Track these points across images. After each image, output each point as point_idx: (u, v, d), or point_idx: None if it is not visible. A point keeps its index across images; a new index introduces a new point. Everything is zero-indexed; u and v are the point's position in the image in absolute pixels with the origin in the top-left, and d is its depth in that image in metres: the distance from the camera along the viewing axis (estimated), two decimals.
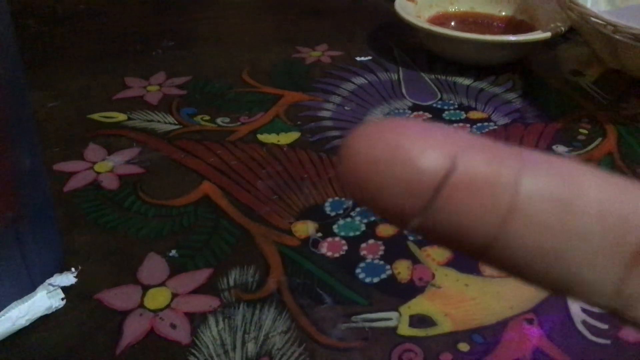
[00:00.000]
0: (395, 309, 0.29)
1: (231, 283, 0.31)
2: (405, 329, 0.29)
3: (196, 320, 0.29)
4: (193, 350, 0.27)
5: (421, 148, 0.08)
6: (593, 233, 0.09)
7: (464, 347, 0.28)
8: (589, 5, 0.52)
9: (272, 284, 0.31)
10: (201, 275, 0.31)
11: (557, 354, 0.27)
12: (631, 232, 0.09)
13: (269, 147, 0.41)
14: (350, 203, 0.36)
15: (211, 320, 0.29)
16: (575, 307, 0.30)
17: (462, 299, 0.30)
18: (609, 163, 0.40)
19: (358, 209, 0.36)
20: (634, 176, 0.39)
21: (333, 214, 0.35)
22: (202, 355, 0.27)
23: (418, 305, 0.30)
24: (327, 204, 0.36)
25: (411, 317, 0.29)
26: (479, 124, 0.44)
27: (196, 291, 0.30)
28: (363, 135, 0.08)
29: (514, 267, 0.09)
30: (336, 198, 0.37)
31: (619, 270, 0.09)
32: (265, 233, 0.34)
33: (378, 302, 0.30)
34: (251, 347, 0.27)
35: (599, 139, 0.43)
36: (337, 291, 0.30)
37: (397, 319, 0.29)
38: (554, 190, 0.09)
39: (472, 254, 0.09)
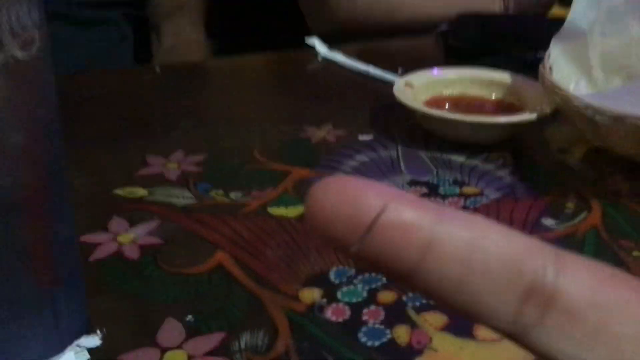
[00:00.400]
0: None
1: (242, 346, 0.33)
2: None
3: None
4: None
5: (362, 195, 0.11)
6: (492, 270, 0.11)
7: None
8: (571, 88, 0.56)
9: (280, 347, 0.33)
10: (215, 339, 0.34)
11: None
12: (524, 273, 0.11)
13: (278, 220, 0.44)
14: (353, 272, 0.39)
15: None
16: None
17: None
18: (594, 235, 0.43)
19: (361, 277, 0.39)
20: (618, 247, 0.42)
21: (337, 281, 0.38)
22: None
23: None
24: (331, 272, 0.39)
25: None
26: (472, 198, 0.48)
27: (210, 353, 0.33)
28: (323, 186, 0.12)
29: (431, 292, 0.12)
30: (340, 267, 0.40)
31: (515, 303, 0.11)
32: (274, 299, 0.37)
33: None
34: None
35: (585, 213, 0.46)
36: (341, 354, 0.33)
37: None
38: (463, 234, 0.11)
39: (398, 279, 0.12)
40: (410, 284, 0.12)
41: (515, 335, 0.11)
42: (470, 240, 0.11)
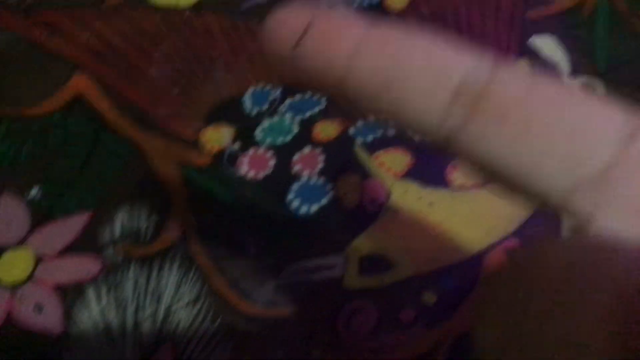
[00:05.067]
0: (341, 250, 0.22)
1: (116, 232, 0.22)
2: (354, 279, 0.22)
3: (70, 295, 0.21)
4: (67, 343, 0.20)
5: (292, 16, 0.12)
6: (418, 74, 0.11)
7: (430, 297, 0.21)
8: None
9: (174, 229, 0.23)
10: (74, 224, 0.23)
11: None
12: (452, 74, 0.11)
13: (164, 14, 0.30)
14: (277, 93, 0.27)
15: (90, 294, 0.21)
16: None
17: (425, 226, 0.23)
18: (607, 5, 0.31)
19: (288, 102, 0.27)
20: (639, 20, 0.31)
21: (255, 111, 0.26)
22: (81, 348, 0.20)
23: (370, 240, 0.23)
24: (246, 98, 0.27)
25: (362, 259, 0.22)
26: None
27: (68, 249, 0.22)
28: (274, 17, 0.12)
29: (361, 98, 0.11)
30: (259, 87, 0.27)
31: (442, 103, 0.11)
32: (162, 149, 0.25)
33: (317, 241, 0.23)
34: (147, 330, 0.20)
35: None
36: (264, 231, 0.23)
37: (343, 265, 0.22)
38: (392, 38, 0.11)
39: (330, 88, 0.11)
40: (341, 93, 0.11)
41: (442, 142, 0.11)
42: (396, 47, 0.11)
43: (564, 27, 0.30)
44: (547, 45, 0.29)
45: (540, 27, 0.30)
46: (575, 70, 0.27)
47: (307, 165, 0.25)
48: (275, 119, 0.26)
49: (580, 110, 0.10)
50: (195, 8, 0.30)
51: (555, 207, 0.11)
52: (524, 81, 0.11)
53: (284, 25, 0.12)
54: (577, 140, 0.10)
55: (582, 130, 0.10)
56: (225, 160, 0.25)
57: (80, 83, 0.27)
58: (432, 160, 0.25)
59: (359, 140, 0.25)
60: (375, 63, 0.11)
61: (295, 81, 0.12)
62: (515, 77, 0.11)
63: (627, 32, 0.30)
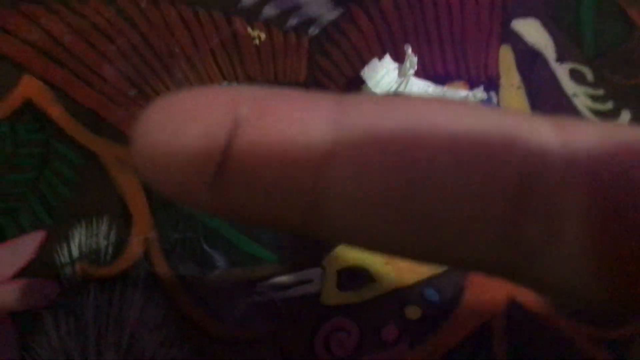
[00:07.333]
0: (317, 264, 0.21)
1: (74, 252, 0.21)
2: (332, 294, 0.20)
3: (25, 322, 0.19)
4: None
5: (205, 107, 0.07)
6: (446, 168, 0.06)
7: (414, 312, 0.20)
8: None
9: (136, 246, 0.21)
10: (28, 244, 0.21)
11: (538, 305, 0.20)
12: (507, 157, 0.06)
13: (119, 6, 0.28)
14: None
15: (48, 321, 0.19)
16: None
17: None
18: None
19: None
20: None
21: None
22: None
23: (348, 252, 0.21)
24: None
25: (340, 273, 0.21)
26: None
27: (23, 273, 0.20)
28: (150, 112, 0.07)
29: (350, 226, 0.07)
30: (225, 83, 0.25)
31: (501, 208, 0.06)
32: (120, 156, 0.23)
33: (292, 254, 0.21)
34: (110, 359, 0.19)
35: None
36: (233, 244, 0.21)
37: (321, 280, 0.21)
38: (389, 124, 0.07)
39: (290, 228, 0.07)
40: (311, 230, 0.07)
41: (513, 266, 0.07)
42: (398, 128, 0.06)
43: (548, 9, 0.29)
44: (531, 29, 0.28)
45: (523, 9, 0.29)
46: (562, 57, 0.26)
47: None
48: None
49: None
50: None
51: None
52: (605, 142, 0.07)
53: (191, 120, 0.07)
54: None
55: None
56: None
57: (28, 87, 0.25)
58: None
59: None
60: (361, 165, 0.06)
61: (222, 216, 0.07)
62: (590, 138, 0.07)
63: (614, 12, 0.29)
